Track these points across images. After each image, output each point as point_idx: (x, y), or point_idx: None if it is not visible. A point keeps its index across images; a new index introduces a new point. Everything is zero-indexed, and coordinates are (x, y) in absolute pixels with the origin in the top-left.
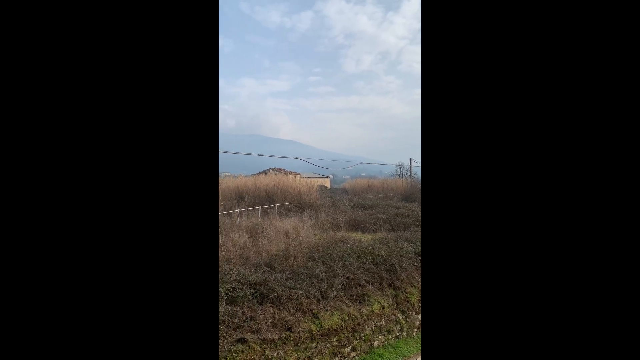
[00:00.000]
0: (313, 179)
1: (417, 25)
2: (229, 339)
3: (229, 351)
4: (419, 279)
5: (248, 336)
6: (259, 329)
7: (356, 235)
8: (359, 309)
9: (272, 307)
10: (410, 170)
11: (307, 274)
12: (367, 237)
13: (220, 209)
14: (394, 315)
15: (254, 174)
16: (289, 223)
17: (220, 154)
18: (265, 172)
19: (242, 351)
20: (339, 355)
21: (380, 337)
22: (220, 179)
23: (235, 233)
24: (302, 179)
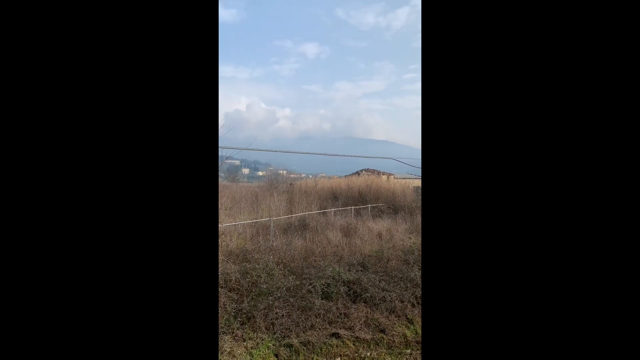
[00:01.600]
0: (408, 180)
1: None
2: (324, 332)
3: (324, 343)
4: None
5: (342, 332)
6: (352, 326)
7: None
8: None
9: (365, 306)
10: None
11: (401, 277)
12: None
13: (316, 208)
14: None
15: (347, 175)
16: (382, 224)
17: (316, 156)
18: (358, 173)
19: (337, 345)
20: None
21: None
22: (316, 179)
23: (329, 231)
24: (396, 180)
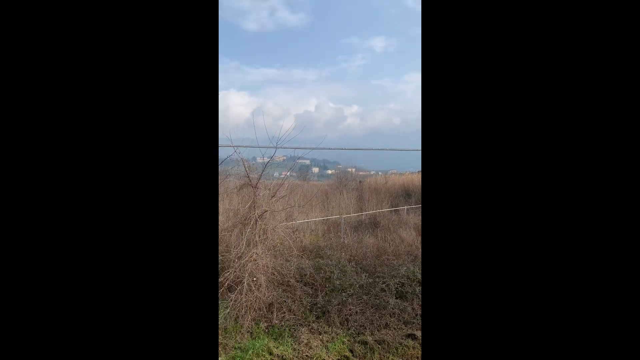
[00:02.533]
0: None
1: None
2: (399, 332)
3: (400, 344)
4: None
5: (418, 334)
6: None
7: None
8: None
9: None
10: None
11: None
12: None
13: (387, 205)
14: None
15: (420, 171)
16: None
17: (386, 152)
18: None
19: (413, 347)
20: None
21: None
22: (386, 176)
23: (402, 230)
24: None
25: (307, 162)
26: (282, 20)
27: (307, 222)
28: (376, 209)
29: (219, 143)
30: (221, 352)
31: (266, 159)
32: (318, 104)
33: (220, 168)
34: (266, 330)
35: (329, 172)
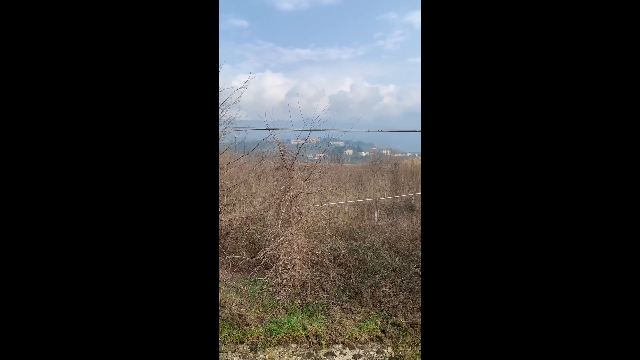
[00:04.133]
0: None
1: None
2: None
3: None
4: None
5: None
6: None
7: None
8: None
9: None
10: None
11: None
12: None
13: None
14: None
15: None
16: None
17: None
18: None
19: None
20: None
21: None
22: None
23: None
24: None
25: (341, 144)
26: None
27: (341, 204)
28: (412, 192)
29: (255, 126)
30: (259, 324)
31: (300, 141)
32: (353, 84)
33: (257, 150)
34: (300, 308)
35: (363, 154)
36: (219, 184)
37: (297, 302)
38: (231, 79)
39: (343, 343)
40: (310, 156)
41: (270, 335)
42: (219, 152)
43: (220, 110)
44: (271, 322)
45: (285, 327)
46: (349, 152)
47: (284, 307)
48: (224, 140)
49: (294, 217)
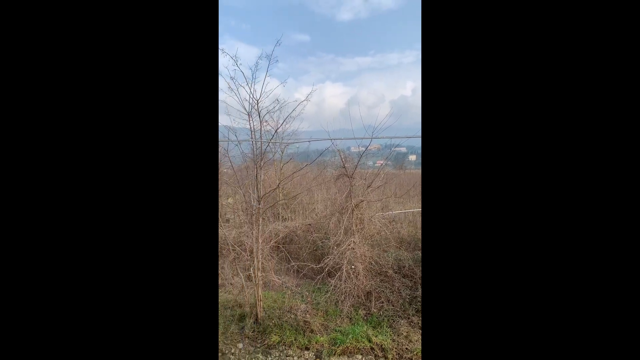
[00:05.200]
0: None
1: None
2: None
3: None
4: None
5: None
6: None
7: None
8: None
9: None
10: None
11: None
12: None
13: None
14: None
15: None
16: None
17: None
18: None
19: None
20: None
21: None
22: None
23: None
24: None
25: (404, 150)
26: (376, 5)
27: (405, 212)
28: None
29: (316, 136)
30: (323, 332)
31: (361, 149)
32: (415, 87)
33: (319, 159)
34: (364, 318)
35: None
36: (284, 192)
37: (361, 312)
38: (294, 92)
39: (410, 359)
40: (371, 163)
41: (335, 344)
42: (284, 162)
43: (284, 123)
44: (335, 331)
45: (350, 337)
46: (412, 157)
47: (348, 317)
48: (287, 150)
49: (356, 226)
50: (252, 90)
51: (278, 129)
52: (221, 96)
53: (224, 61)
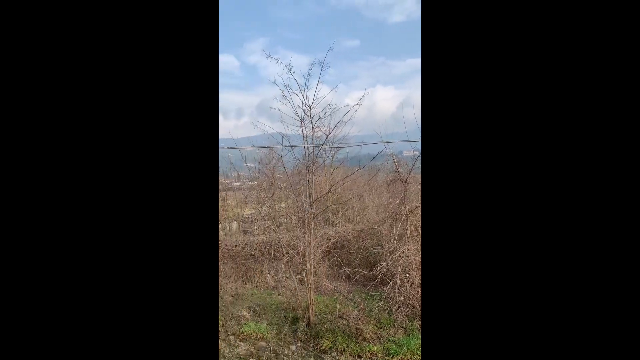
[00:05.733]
0: None
1: None
2: None
3: None
4: None
5: None
6: None
7: None
8: None
9: None
10: None
11: None
12: None
13: None
14: None
15: None
16: None
17: None
18: None
19: None
20: None
21: None
22: None
23: None
24: None
25: None
26: None
27: None
28: None
29: (368, 140)
30: (376, 340)
31: (415, 153)
32: None
33: (370, 164)
34: (420, 330)
35: None
36: (334, 197)
37: (417, 323)
38: (344, 97)
39: None
40: None
41: (389, 354)
42: (334, 167)
43: (335, 128)
44: (389, 341)
45: (405, 348)
46: None
47: (402, 327)
48: (337, 156)
49: (411, 233)
50: (304, 97)
51: (329, 134)
52: (275, 104)
53: (277, 70)
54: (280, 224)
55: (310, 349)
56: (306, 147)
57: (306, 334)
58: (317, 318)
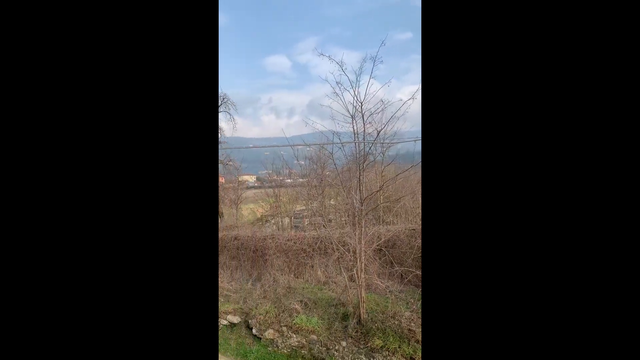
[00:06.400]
0: None
1: None
2: None
3: None
4: None
5: None
6: None
7: None
8: None
9: None
10: None
11: None
12: None
13: None
14: None
15: None
16: None
17: None
18: None
19: None
20: None
21: None
22: None
23: None
24: None
25: None
26: None
27: None
28: None
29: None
30: None
31: None
32: None
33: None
34: None
35: None
36: (385, 194)
37: None
38: (396, 92)
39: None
40: None
41: None
42: (385, 164)
43: (387, 124)
44: None
45: None
46: None
47: None
48: (388, 152)
49: None
50: (356, 93)
51: (381, 130)
52: (326, 101)
53: (329, 68)
54: (330, 220)
55: (361, 347)
56: (357, 143)
57: (357, 331)
58: (368, 316)
